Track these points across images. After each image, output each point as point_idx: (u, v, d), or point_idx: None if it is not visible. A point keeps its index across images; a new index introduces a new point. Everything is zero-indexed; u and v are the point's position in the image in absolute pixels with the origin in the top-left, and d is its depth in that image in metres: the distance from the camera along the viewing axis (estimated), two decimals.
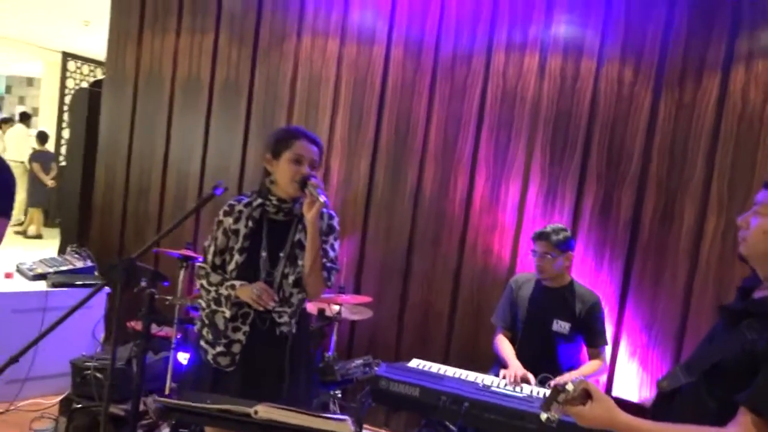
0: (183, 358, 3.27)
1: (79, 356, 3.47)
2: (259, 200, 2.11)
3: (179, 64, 4.29)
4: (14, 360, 1.69)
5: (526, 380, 2.69)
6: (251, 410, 1.40)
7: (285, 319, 2.03)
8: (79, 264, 3.93)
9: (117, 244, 4.48)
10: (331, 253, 2.16)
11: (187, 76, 4.27)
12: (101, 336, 3.89)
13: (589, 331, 2.96)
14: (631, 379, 3.31)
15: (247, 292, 2.00)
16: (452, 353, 3.61)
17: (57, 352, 3.55)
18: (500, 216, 3.56)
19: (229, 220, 2.11)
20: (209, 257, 2.13)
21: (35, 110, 13.47)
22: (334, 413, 3.00)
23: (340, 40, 3.87)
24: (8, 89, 14.11)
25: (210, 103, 4.21)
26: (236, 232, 2.09)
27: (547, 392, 2.20)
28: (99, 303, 3.86)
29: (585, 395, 1.36)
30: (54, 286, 3.68)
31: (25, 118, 10.02)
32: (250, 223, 2.08)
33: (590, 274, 3.35)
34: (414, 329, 3.72)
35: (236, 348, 2.03)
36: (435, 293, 3.68)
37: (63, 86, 9.41)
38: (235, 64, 4.14)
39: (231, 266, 2.06)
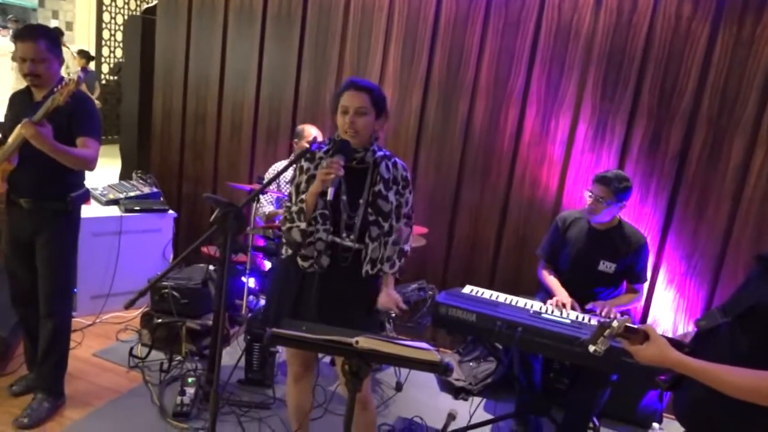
0: (251, 282, 3.57)
1: (154, 275, 3.80)
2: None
3: None
4: (142, 294, 1.93)
5: (573, 308, 2.90)
6: (353, 340, 1.64)
7: (351, 244, 2.18)
8: (146, 190, 4.20)
9: (177, 170, 4.72)
10: (405, 209, 2.30)
11: (239, 5, 4.31)
12: (170, 257, 4.22)
13: (630, 271, 3.08)
14: (667, 304, 3.52)
15: (312, 187, 2.11)
16: (496, 281, 3.84)
17: (133, 270, 3.91)
18: (549, 149, 3.68)
19: (311, 166, 2.23)
20: (293, 200, 2.25)
21: (69, 25, 13.45)
22: (394, 334, 3.27)
23: None
24: (41, 2, 14.03)
25: (263, 32, 4.28)
26: (314, 177, 2.19)
27: (592, 322, 2.40)
28: (167, 226, 4.17)
29: (643, 336, 1.56)
30: (126, 211, 3.96)
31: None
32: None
33: (635, 205, 3.50)
34: (461, 257, 3.95)
35: (320, 246, 2.16)
36: (482, 224, 3.88)
37: (100, 1, 9.38)
38: None
39: (320, 211, 2.20)
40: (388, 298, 2.27)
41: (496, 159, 3.79)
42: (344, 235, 2.20)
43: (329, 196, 2.05)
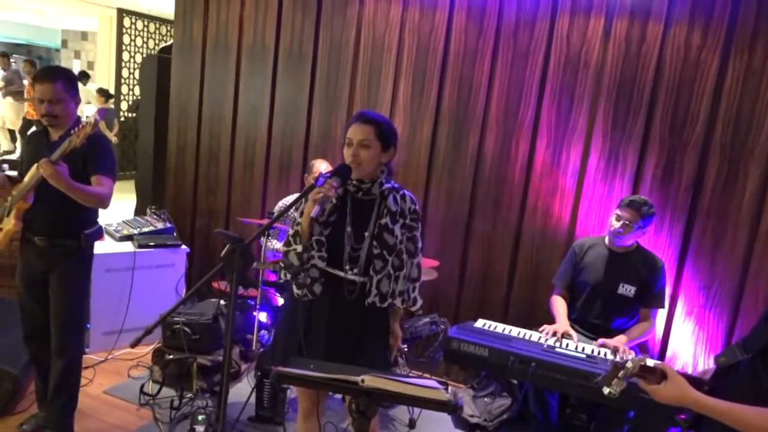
0: (263, 316, 3.55)
1: (166, 311, 3.80)
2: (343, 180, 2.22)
3: (244, 32, 4.41)
4: (149, 331, 1.92)
5: (567, 336, 2.86)
6: (358, 379, 1.62)
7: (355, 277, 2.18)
8: (160, 225, 4.24)
9: (191, 205, 4.76)
10: (419, 244, 2.31)
11: (252, 43, 4.40)
12: (183, 292, 4.22)
13: (648, 293, 3.07)
14: (686, 337, 3.43)
15: (308, 204, 2.10)
16: (510, 314, 3.78)
17: (146, 306, 3.91)
18: (561, 180, 3.65)
19: None
20: (295, 227, 2.25)
21: (90, 64, 13.83)
22: (408, 371, 3.23)
23: (402, 5, 3.92)
24: (64, 43, 14.49)
25: (275, 70, 4.35)
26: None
27: (608, 356, 2.34)
28: (180, 261, 4.19)
29: (660, 375, 1.51)
30: (140, 246, 3.99)
31: (83, 77, 10.37)
32: (335, 199, 2.19)
33: (650, 236, 3.44)
34: (474, 290, 3.91)
35: (313, 273, 2.16)
36: (495, 255, 3.84)
37: (120, 42, 9.63)
38: (299, 30, 4.24)
39: (316, 237, 2.20)
40: (392, 333, 2.25)
41: (507, 190, 3.77)
42: (347, 267, 2.19)
43: (314, 214, 2.03)
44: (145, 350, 3.88)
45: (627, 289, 3.05)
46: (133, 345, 1.86)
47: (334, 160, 4.06)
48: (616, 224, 3.01)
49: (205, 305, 3.85)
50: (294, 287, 2.23)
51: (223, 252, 1.78)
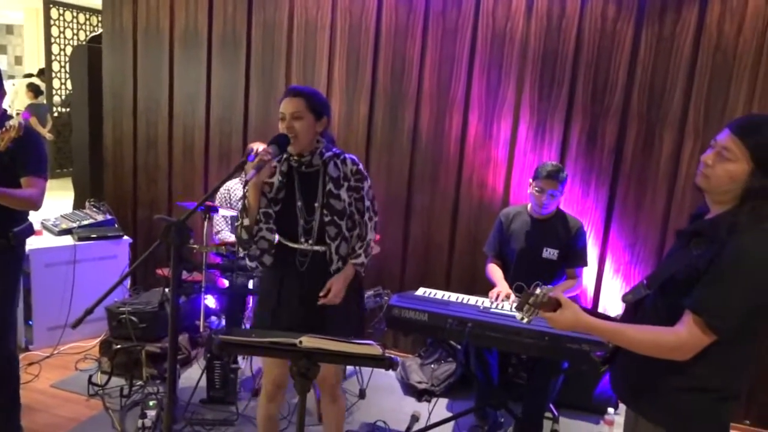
0: (211, 301, 3.58)
1: (112, 302, 3.78)
2: (285, 155, 2.27)
3: (176, 17, 4.37)
4: (89, 312, 1.94)
5: (509, 298, 3.02)
6: (296, 341, 1.70)
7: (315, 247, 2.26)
8: (99, 217, 4.19)
9: (131, 196, 4.71)
10: (367, 202, 2.36)
11: (184, 29, 4.36)
12: (128, 283, 4.19)
13: (571, 253, 3.24)
14: (615, 293, 3.66)
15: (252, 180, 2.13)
16: (453, 282, 3.93)
17: (90, 299, 3.82)
18: (493, 152, 3.80)
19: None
20: (242, 201, 2.28)
21: (18, 59, 13.27)
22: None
23: None
24: None
25: (209, 55, 4.33)
26: (269, 184, 2.27)
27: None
28: (123, 253, 4.15)
29: (555, 303, 1.64)
30: (80, 239, 3.94)
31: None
32: (280, 177, 2.27)
33: (578, 201, 3.64)
34: (417, 261, 4.04)
35: (262, 245, 2.24)
36: (435, 227, 3.97)
37: (48, 34, 9.28)
38: (231, 14, 4.23)
39: (263, 209, 2.24)
40: (335, 285, 2.29)
41: (443, 163, 3.90)
42: (302, 240, 2.26)
43: (248, 176, 2.07)
44: (92, 343, 3.87)
45: (550, 253, 3.21)
46: (74, 326, 1.90)
47: None
48: (541, 197, 3.11)
49: (150, 295, 3.86)
50: (246, 260, 2.30)
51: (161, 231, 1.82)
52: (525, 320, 1.63)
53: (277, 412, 2.53)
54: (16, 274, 2.72)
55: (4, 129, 2.28)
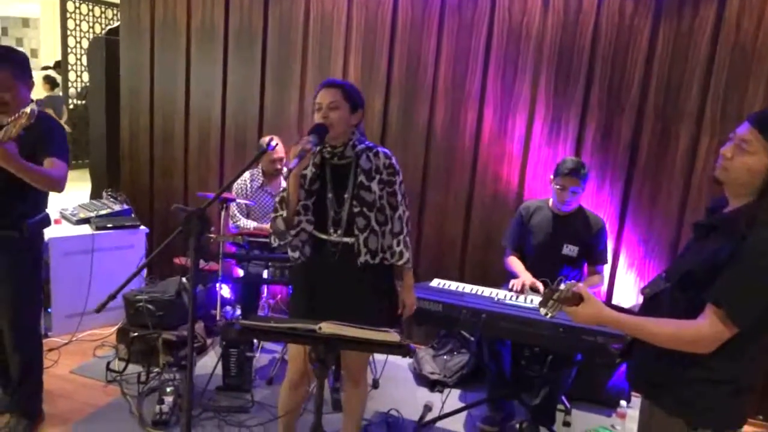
0: (225, 291, 3.63)
1: (129, 291, 3.84)
2: (319, 147, 2.28)
3: (192, 12, 4.41)
4: (112, 297, 1.98)
5: (535, 288, 3.03)
6: (316, 326, 1.73)
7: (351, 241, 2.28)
8: (117, 207, 4.24)
9: (147, 188, 4.76)
10: (399, 197, 2.38)
11: (201, 24, 4.40)
12: (144, 272, 4.25)
13: (592, 252, 3.25)
14: (629, 288, 3.66)
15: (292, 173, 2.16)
16: (466, 276, 3.94)
17: (107, 288, 3.89)
18: (508, 147, 3.81)
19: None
20: (281, 193, 2.28)
21: (34, 51, 13.38)
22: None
23: None
24: (4, 30, 13.95)
25: (225, 50, 4.37)
26: (303, 176, 2.28)
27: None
28: (140, 242, 4.21)
29: (578, 298, 1.66)
30: (97, 229, 3.99)
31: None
32: (313, 168, 2.28)
33: (593, 195, 3.65)
34: (430, 256, 4.06)
35: (303, 237, 2.27)
36: (448, 222, 3.99)
37: (65, 27, 9.37)
38: (247, 9, 4.26)
39: (303, 202, 2.27)
40: (407, 298, 2.41)
41: (458, 158, 3.92)
42: (331, 231, 2.28)
43: (291, 165, 2.08)
44: (109, 331, 3.93)
45: (570, 250, 3.21)
46: (98, 310, 1.94)
47: (288, 137, 4.14)
48: (564, 194, 3.11)
49: (167, 284, 3.91)
50: (289, 251, 2.31)
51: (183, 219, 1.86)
52: (549, 315, 1.64)
53: (300, 400, 2.56)
54: (34, 267, 2.72)
55: (17, 115, 2.26)
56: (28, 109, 2.29)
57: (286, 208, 2.24)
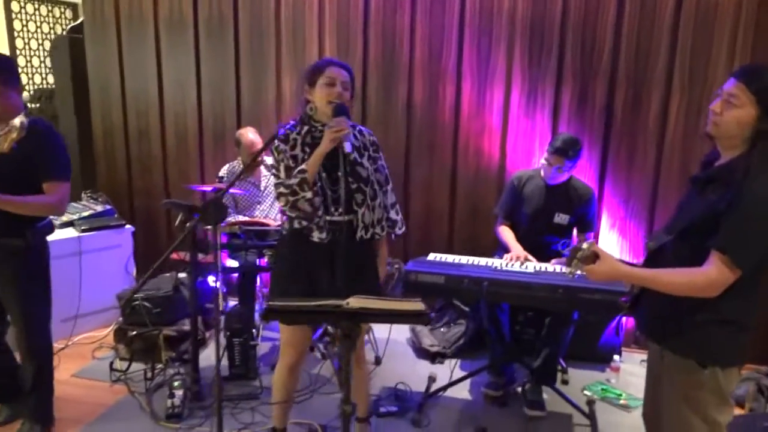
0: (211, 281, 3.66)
1: (123, 290, 3.82)
2: (306, 127, 2.30)
3: (159, 3, 4.34)
4: (136, 291, 2.00)
5: (528, 261, 3.13)
6: (344, 302, 1.78)
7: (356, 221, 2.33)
8: (99, 208, 4.18)
9: (126, 186, 4.70)
10: (385, 172, 2.46)
11: (169, 14, 4.33)
12: (133, 271, 4.22)
13: (582, 220, 3.35)
14: (612, 247, 3.82)
15: (320, 148, 2.18)
16: (455, 249, 4.05)
17: (98, 289, 3.92)
18: (487, 119, 3.90)
19: (286, 148, 2.28)
20: (282, 175, 2.27)
21: None
22: None
23: None
24: None
25: (197, 40, 4.32)
26: (295, 157, 2.29)
27: (549, 269, 2.63)
28: (126, 242, 4.17)
29: (595, 256, 1.77)
30: (83, 231, 3.94)
31: None
32: (306, 149, 2.29)
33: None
34: (418, 231, 4.14)
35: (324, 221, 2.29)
36: (434, 197, 4.08)
37: (11, 28, 9.03)
38: None
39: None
40: (381, 259, 2.47)
41: (439, 134, 3.99)
42: (332, 210, 2.30)
43: (348, 149, 2.14)
44: (104, 332, 3.91)
45: (562, 218, 3.31)
46: (124, 306, 1.94)
47: (267, 123, 4.15)
48: (549, 169, 3.21)
49: (158, 281, 3.90)
50: (315, 232, 2.29)
51: (201, 207, 1.88)
52: (571, 274, 1.75)
53: (295, 385, 2.62)
54: (40, 273, 2.70)
55: (7, 130, 2.22)
56: (17, 122, 2.24)
57: (308, 190, 2.23)
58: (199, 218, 1.90)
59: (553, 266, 3.00)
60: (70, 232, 3.94)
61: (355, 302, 1.79)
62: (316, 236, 2.29)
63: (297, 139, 2.30)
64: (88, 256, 3.92)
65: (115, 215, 4.19)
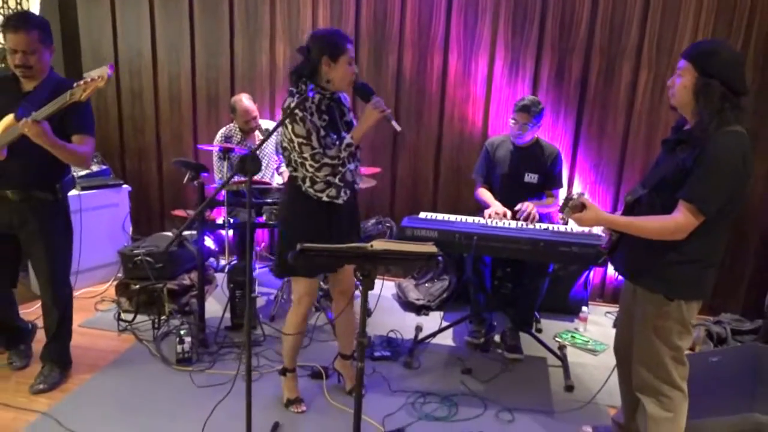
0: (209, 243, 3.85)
1: (124, 246, 3.97)
2: (317, 96, 2.45)
3: None
4: (175, 239, 2.19)
5: (506, 216, 3.45)
6: (368, 245, 2.03)
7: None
8: (95, 168, 4.29)
9: (118, 146, 4.80)
10: None
11: None
12: (130, 229, 4.37)
13: (549, 177, 3.68)
14: None
15: (365, 121, 2.45)
16: (438, 208, 4.34)
17: (97, 245, 4.06)
18: (472, 88, 4.16)
19: (306, 114, 2.40)
20: (317, 145, 2.41)
21: None
22: None
23: None
24: None
25: (191, 4, 4.41)
26: (314, 125, 2.43)
27: (530, 226, 2.87)
28: (123, 200, 4.30)
29: (582, 206, 2.08)
30: (83, 189, 4.06)
31: None
32: (324, 116, 2.47)
33: (549, 127, 4.08)
34: (405, 193, 4.41)
35: (349, 177, 2.54)
36: (421, 161, 4.34)
37: None
38: None
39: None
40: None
41: (426, 102, 4.23)
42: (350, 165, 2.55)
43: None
44: (103, 287, 4.07)
45: (531, 177, 3.64)
46: (173, 241, 2.14)
47: (261, 88, 4.31)
48: (515, 127, 3.52)
49: (155, 238, 4.08)
50: (343, 193, 2.53)
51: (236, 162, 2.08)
52: (563, 219, 2.06)
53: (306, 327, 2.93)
54: (66, 226, 2.85)
55: (90, 79, 2.29)
56: (104, 73, 2.26)
57: (353, 161, 2.52)
58: (234, 173, 2.09)
59: (525, 217, 3.35)
60: (71, 191, 4.04)
61: (378, 245, 2.05)
62: (341, 199, 2.54)
63: (312, 107, 2.44)
64: (87, 214, 4.03)
65: (111, 175, 4.31)
